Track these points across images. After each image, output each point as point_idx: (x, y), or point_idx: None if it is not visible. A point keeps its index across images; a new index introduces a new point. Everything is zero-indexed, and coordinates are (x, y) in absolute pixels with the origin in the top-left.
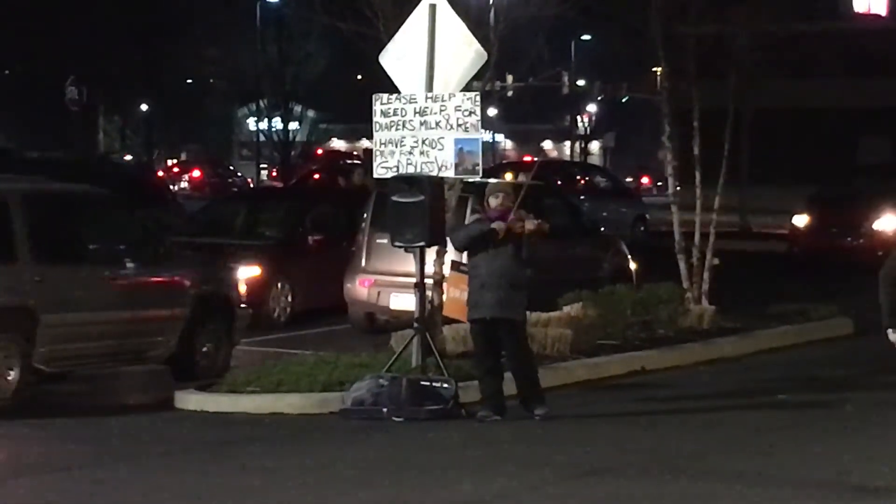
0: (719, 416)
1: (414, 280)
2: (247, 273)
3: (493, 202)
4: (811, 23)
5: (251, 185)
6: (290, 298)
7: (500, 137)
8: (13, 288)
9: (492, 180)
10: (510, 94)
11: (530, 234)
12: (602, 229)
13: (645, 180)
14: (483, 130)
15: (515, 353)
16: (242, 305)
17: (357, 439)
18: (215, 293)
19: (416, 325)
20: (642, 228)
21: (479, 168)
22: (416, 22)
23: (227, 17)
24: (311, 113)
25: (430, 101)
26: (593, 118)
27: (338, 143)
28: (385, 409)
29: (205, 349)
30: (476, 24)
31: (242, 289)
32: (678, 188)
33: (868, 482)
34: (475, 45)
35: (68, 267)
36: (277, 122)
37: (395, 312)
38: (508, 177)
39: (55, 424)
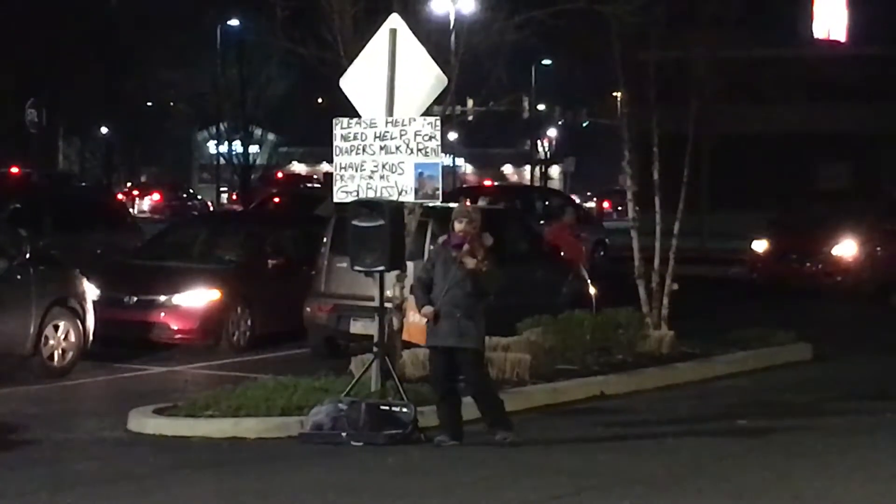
0: (678, 442)
1: (374, 304)
2: (206, 296)
3: (457, 227)
4: (771, 49)
5: (210, 209)
6: (249, 322)
7: (460, 161)
8: None
9: (452, 204)
10: (470, 118)
11: (472, 271)
12: (562, 254)
13: (606, 205)
14: (443, 155)
15: (475, 382)
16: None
17: (316, 464)
18: None
19: (375, 349)
20: (602, 253)
21: (440, 193)
22: (376, 46)
23: (187, 40)
24: (271, 136)
25: (391, 125)
26: (553, 143)
27: (298, 167)
28: (344, 434)
29: None
30: (436, 49)
31: None
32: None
33: None
34: (435, 70)
35: None
36: (237, 146)
37: (354, 337)
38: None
39: (11, 449)
